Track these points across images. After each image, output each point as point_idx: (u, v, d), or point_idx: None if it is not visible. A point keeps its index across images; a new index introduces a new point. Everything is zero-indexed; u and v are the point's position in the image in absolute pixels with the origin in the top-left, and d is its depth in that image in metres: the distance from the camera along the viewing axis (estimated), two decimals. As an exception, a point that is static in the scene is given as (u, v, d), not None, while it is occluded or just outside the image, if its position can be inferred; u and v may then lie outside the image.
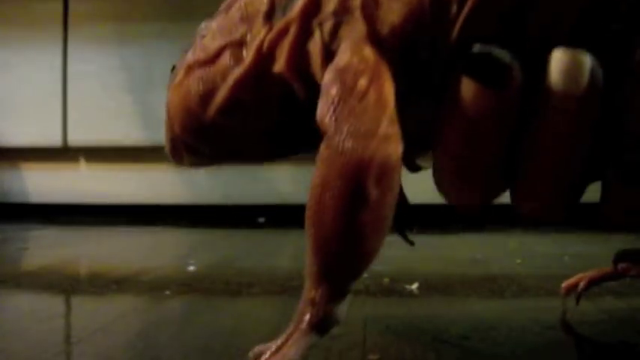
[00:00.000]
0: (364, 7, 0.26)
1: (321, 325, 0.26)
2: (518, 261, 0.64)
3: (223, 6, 0.33)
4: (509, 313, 0.47)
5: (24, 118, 1.07)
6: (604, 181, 0.30)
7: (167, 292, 0.49)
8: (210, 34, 0.32)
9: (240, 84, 0.30)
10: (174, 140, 0.34)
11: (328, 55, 0.27)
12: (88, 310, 0.47)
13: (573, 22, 0.26)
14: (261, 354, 0.27)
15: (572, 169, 0.27)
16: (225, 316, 0.42)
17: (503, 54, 0.25)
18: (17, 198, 1.09)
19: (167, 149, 0.36)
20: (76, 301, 0.50)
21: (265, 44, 0.29)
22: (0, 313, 0.46)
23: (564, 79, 0.25)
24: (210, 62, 0.31)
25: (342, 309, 0.26)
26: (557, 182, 0.28)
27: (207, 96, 0.31)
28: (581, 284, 0.43)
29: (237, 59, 0.30)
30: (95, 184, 1.08)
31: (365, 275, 0.57)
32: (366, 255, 0.26)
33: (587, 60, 0.25)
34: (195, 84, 0.31)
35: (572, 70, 0.25)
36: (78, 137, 1.06)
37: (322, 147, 0.25)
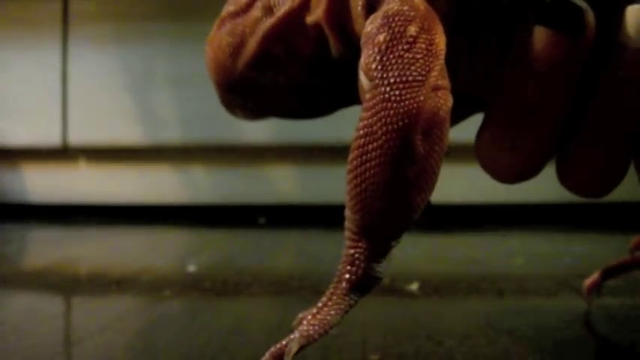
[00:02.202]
0: None
1: (362, 284, 0.25)
2: (519, 261, 0.64)
3: None
4: (509, 313, 0.47)
5: (24, 118, 1.07)
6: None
7: (167, 292, 0.49)
8: None
9: (270, 36, 0.28)
10: (220, 94, 0.33)
11: (371, 7, 0.26)
12: (88, 310, 0.47)
13: None
14: (302, 319, 0.26)
15: (633, 132, 0.27)
16: (225, 316, 0.42)
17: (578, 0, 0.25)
18: (17, 198, 1.09)
19: (221, 102, 0.34)
20: (76, 301, 0.50)
21: None
22: (0, 313, 0.46)
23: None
24: (241, 13, 0.30)
25: (384, 267, 0.25)
26: (616, 147, 0.27)
27: (236, 49, 0.29)
28: (596, 276, 0.42)
29: (269, 10, 0.28)
30: (95, 184, 1.08)
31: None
32: (411, 211, 0.24)
33: None
34: (225, 36, 0.30)
35: None
36: (78, 137, 1.06)
37: (368, 95, 0.23)
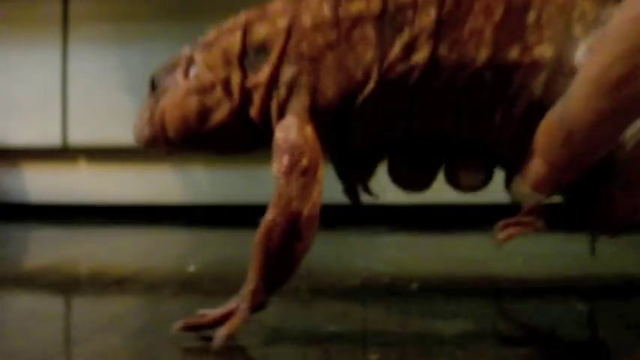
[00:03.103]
0: (309, 84, 0.37)
1: (257, 308, 0.37)
2: (518, 261, 0.65)
3: (203, 41, 0.42)
4: (509, 313, 0.47)
5: (24, 118, 1.07)
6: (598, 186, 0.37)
7: (167, 292, 0.49)
8: (200, 66, 0.41)
9: (230, 114, 0.40)
10: (160, 137, 0.43)
11: (281, 114, 0.38)
12: (88, 310, 0.47)
13: None
14: (204, 316, 0.38)
15: None
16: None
17: None
18: (17, 198, 1.09)
19: (143, 138, 0.44)
20: (76, 301, 0.50)
21: (245, 90, 0.39)
22: (0, 313, 0.46)
23: None
24: (207, 91, 0.40)
25: (269, 299, 0.37)
26: None
27: (204, 117, 0.40)
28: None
29: (228, 94, 0.40)
30: (95, 184, 1.08)
31: (365, 275, 0.58)
32: (293, 270, 0.36)
33: None
34: (194, 106, 0.40)
35: None
36: (78, 137, 1.06)
37: (275, 195, 0.36)
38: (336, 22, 0.37)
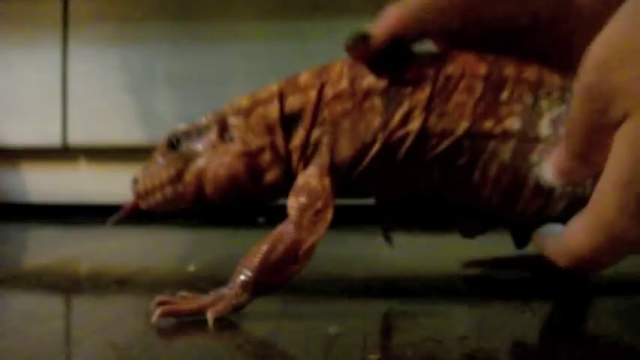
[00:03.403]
0: (329, 144, 0.44)
1: (240, 308, 0.41)
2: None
3: (235, 108, 0.47)
4: (510, 313, 0.47)
5: (24, 118, 1.07)
6: None
7: (167, 292, 0.49)
8: (243, 131, 0.46)
9: (282, 174, 0.46)
10: (189, 195, 0.47)
11: (305, 166, 0.45)
12: (88, 310, 0.47)
13: None
14: (184, 299, 0.42)
15: None
16: (225, 315, 0.42)
17: None
18: (17, 198, 1.09)
19: (162, 197, 0.48)
20: (76, 301, 0.50)
21: (289, 152, 0.45)
22: (0, 313, 0.46)
23: None
24: (256, 154, 0.45)
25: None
26: None
27: (256, 177, 0.46)
28: None
29: (276, 156, 0.45)
30: (95, 184, 1.08)
31: (365, 275, 0.58)
32: (277, 284, 0.42)
33: None
34: (244, 167, 0.46)
35: None
36: (78, 137, 1.06)
37: (290, 221, 0.42)
38: (352, 93, 0.44)
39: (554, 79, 0.44)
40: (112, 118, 1.05)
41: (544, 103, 0.44)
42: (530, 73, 0.44)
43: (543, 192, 0.43)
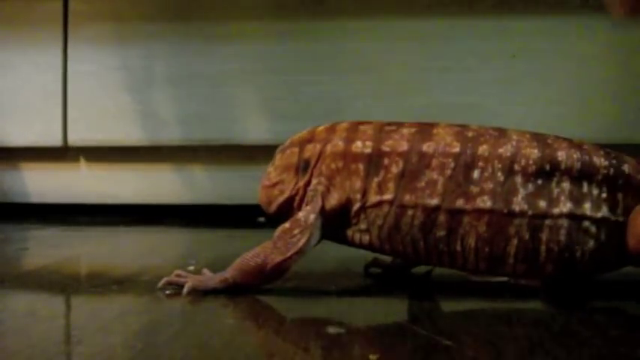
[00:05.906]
0: (323, 193, 0.51)
1: (229, 289, 0.48)
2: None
3: (281, 148, 0.56)
4: (510, 313, 0.47)
5: (24, 118, 1.07)
6: None
7: (167, 292, 0.49)
8: (274, 168, 0.56)
9: (285, 200, 0.54)
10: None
11: (306, 205, 0.52)
12: (88, 310, 0.47)
13: None
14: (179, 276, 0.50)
15: None
16: (226, 315, 0.42)
17: None
18: (17, 198, 1.09)
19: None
20: (76, 301, 0.50)
21: (297, 188, 0.53)
22: (0, 313, 0.46)
23: None
24: (273, 186, 0.55)
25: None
26: None
27: (269, 201, 0.55)
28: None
29: (285, 188, 0.54)
30: (95, 184, 1.08)
31: (365, 275, 0.58)
32: (249, 284, 0.49)
33: None
34: (266, 194, 0.56)
35: None
36: (78, 137, 1.06)
37: (273, 239, 0.49)
38: (344, 155, 0.51)
39: (531, 154, 0.47)
40: (111, 118, 1.05)
41: (519, 179, 0.47)
42: (506, 149, 0.48)
43: (528, 257, 0.47)
